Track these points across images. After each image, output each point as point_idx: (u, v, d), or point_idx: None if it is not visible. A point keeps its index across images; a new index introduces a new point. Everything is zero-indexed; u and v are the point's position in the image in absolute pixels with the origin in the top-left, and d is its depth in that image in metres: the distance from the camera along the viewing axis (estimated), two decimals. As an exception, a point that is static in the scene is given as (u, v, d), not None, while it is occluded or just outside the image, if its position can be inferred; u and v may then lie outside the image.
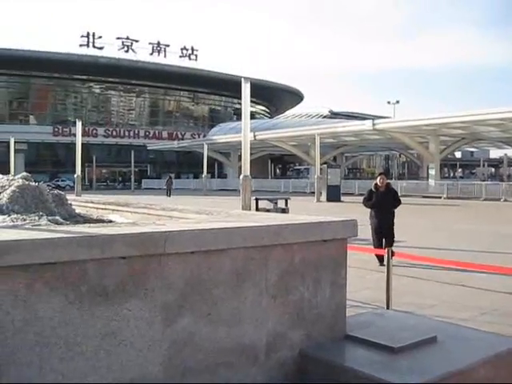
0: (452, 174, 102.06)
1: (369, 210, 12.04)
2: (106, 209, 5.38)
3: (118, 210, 5.08)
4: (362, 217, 25.01)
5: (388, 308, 6.17)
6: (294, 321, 3.31)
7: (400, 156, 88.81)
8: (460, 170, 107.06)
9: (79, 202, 6.06)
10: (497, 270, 7.11)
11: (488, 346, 3.47)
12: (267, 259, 3.16)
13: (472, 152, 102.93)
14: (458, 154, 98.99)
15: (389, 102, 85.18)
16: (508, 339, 3.68)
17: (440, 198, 40.35)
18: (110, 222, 4.74)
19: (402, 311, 6.13)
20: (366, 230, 17.69)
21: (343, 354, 3.41)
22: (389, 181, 12.21)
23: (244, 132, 15.12)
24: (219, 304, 3.00)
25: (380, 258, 10.62)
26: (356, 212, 30.08)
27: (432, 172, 46.11)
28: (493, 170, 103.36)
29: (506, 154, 76.09)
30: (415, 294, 8.79)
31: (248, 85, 15.46)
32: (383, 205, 11.61)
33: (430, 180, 45.92)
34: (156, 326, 2.83)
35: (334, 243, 3.42)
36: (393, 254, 10.30)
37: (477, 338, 3.63)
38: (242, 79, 15.55)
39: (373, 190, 11.79)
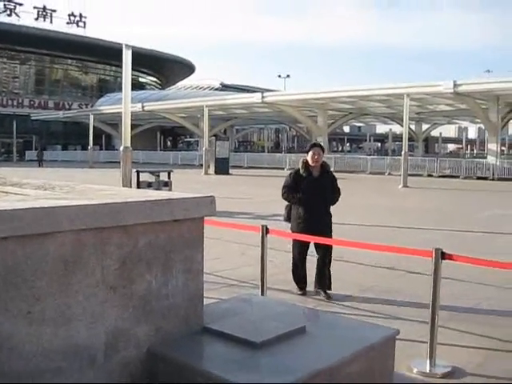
0: (340, 148, 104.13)
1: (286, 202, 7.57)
2: None
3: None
4: (250, 189, 24.67)
5: (263, 291, 5.80)
6: (140, 315, 2.83)
7: (290, 130, 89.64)
8: (348, 144, 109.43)
9: None
10: (380, 248, 6.90)
11: (361, 336, 3.13)
12: (104, 244, 2.64)
13: (359, 127, 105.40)
14: (346, 129, 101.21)
15: (279, 76, 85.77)
16: (381, 327, 3.38)
17: (328, 171, 40.89)
18: None
19: (272, 297, 5.81)
20: (251, 204, 17.58)
21: (197, 352, 2.95)
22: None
23: (124, 101, 14.40)
24: (42, 299, 2.47)
25: (301, 285, 7.39)
26: (242, 184, 29.97)
27: (320, 145, 46.60)
28: (379, 144, 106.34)
29: (390, 130, 78.22)
30: (296, 271, 8.54)
31: (129, 51, 14.69)
32: (318, 198, 7.15)
33: (318, 153, 46.36)
34: (-43, 330, 2.27)
35: (187, 223, 2.95)
36: (328, 296, 7.02)
37: (348, 327, 3.29)
38: (124, 45, 14.76)
39: (301, 172, 7.23)
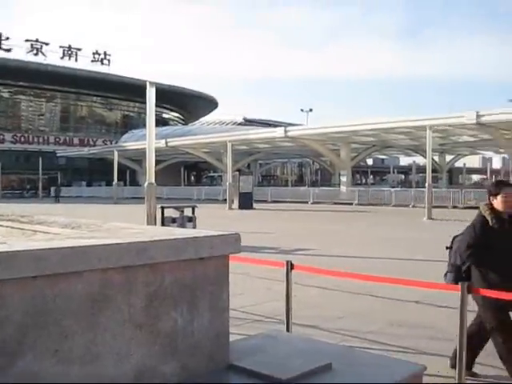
0: (364, 181, 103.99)
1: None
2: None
3: (-18, 223, 4.47)
4: (274, 224, 24.67)
5: (288, 326, 5.79)
6: (167, 352, 2.84)
7: (313, 163, 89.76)
8: (371, 176, 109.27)
9: None
10: (405, 283, 6.86)
11: (387, 372, 3.11)
12: (131, 282, 2.67)
13: (383, 159, 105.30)
14: (369, 161, 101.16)
15: (302, 110, 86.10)
16: (408, 363, 3.35)
17: (351, 204, 40.89)
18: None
19: (297, 333, 5.79)
20: (276, 239, 17.55)
21: (223, 390, 2.96)
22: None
23: (149, 138, 14.60)
24: (70, 338, 2.49)
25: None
26: (266, 219, 29.98)
27: (343, 179, 46.78)
28: (403, 176, 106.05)
29: (414, 161, 78.26)
30: (322, 306, 8.51)
31: (153, 89, 14.95)
32: None
33: (341, 187, 46.53)
34: (-14, 369, 2.29)
35: (212, 261, 2.97)
36: None
37: (375, 363, 3.26)
38: (147, 83, 15.03)
39: (491, 224, 5.18)
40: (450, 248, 5.71)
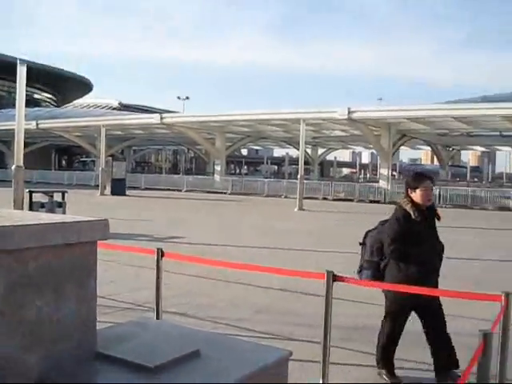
0: (238, 171, 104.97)
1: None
2: None
3: None
4: (146, 211, 24.30)
5: (158, 314, 5.76)
6: (30, 341, 2.74)
7: (188, 151, 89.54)
8: (245, 166, 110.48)
9: None
10: (273, 271, 7.00)
11: (254, 358, 3.16)
12: (-8, 268, 2.56)
13: (257, 150, 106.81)
14: (244, 152, 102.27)
15: (179, 98, 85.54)
16: (274, 349, 3.43)
17: (225, 193, 41.19)
18: None
19: (167, 320, 5.78)
20: (148, 226, 17.39)
21: (89, 379, 2.89)
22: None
23: (18, 118, 14.02)
24: None
25: (392, 367, 5.27)
26: (139, 206, 29.56)
27: (218, 168, 47.05)
28: (276, 167, 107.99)
29: (287, 153, 79.87)
30: (193, 294, 8.54)
31: (24, 67, 14.34)
32: (434, 250, 5.31)
33: (215, 176, 46.78)
34: None
35: (80, 247, 2.89)
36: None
37: (243, 349, 3.32)
38: (18, 61, 14.42)
39: (413, 217, 5.15)
40: (363, 244, 5.61)
